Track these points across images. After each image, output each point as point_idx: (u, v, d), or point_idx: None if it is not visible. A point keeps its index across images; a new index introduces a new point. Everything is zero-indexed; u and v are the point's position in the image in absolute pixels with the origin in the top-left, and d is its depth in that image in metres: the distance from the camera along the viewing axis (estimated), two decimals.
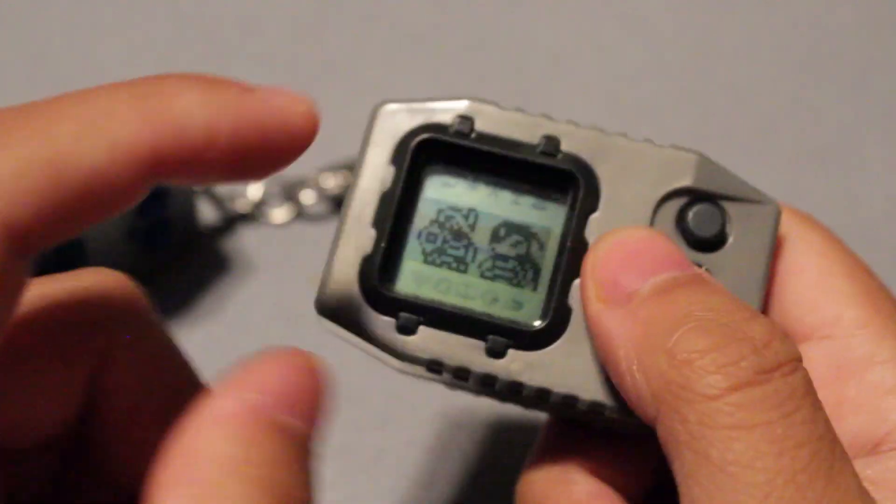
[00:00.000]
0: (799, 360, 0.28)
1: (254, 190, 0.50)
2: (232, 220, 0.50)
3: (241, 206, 0.50)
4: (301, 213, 0.50)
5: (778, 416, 0.27)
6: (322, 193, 0.50)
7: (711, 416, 0.27)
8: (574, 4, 0.55)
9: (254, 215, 0.50)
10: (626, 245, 0.31)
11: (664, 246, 0.31)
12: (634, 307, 0.30)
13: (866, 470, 0.30)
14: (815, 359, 0.32)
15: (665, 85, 0.53)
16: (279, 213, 0.50)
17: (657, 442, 0.32)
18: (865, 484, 0.29)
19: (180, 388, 0.30)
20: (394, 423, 0.45)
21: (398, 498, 0.44)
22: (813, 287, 0.33)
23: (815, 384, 0.32)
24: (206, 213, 0.50)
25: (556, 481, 0.33)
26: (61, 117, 0.24)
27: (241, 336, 0.46)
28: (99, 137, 0.24)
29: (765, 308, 0.34)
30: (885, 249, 0.49)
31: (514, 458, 0.44)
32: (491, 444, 0.45)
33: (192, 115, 0.25)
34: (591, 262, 0.31)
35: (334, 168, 0.50)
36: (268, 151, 0.27)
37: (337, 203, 0.50)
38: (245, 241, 0.50)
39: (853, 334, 0.32)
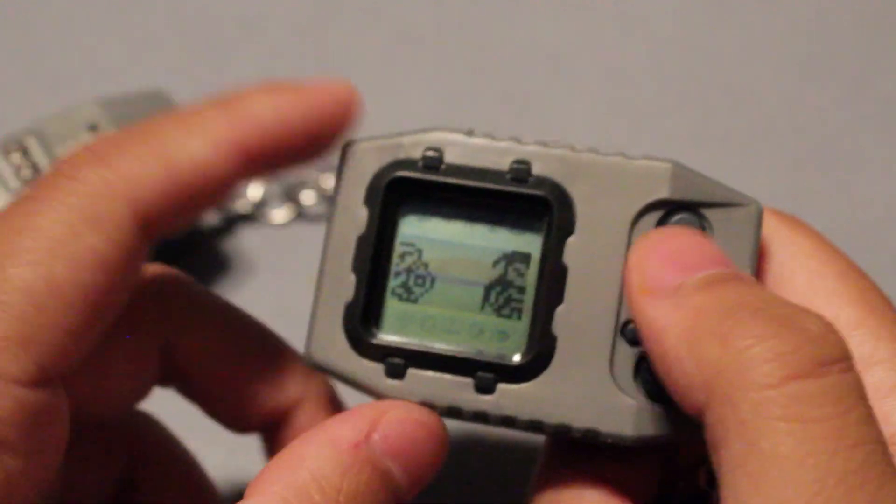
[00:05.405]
0: (852, 359, 0.27)
1: (254, 190, 0.50)
2: (232, 221, 0.50)
3: (241, 206, 0.50)
4: (301, 214, 0.50)
5: (834, 413, 0.26)
6: (322, 194, 0.50)
7: (765, 405, 0.26)
8: (574, 5, 0.55)
9: (254, 215, 0.50)
10: (672, 241, 0.30)
11: (710, 246, 0.30)
12: (682, 297, 0.29)
13: None
14: None
15: (665, 86, 0.53)
16: (279, 214, 0.50)
17: (658, 455, 0.32)
18: None
19: (249, 346, 0.35)
20: None
21: None
22: (805, 291, 0.32)
23: None
24: (207, 213, 0.50)
25: (566, 494, 0.33)
26: (166, 125, 0.29)
27: None
28: (199, 136, 0.29)
29: None
30: (885, 251, 0.49)
31: (515, 459, 0.44)
32: (491, 443, 0.45)
33: (267, 112, 0.31)
34: (635, 256, 0.30)
35: (334, 169, 0.50)
36: (328, 130, 0.33)
37: None
38: (245, 241, 0.49)
39: (849, 335, 0.32)
